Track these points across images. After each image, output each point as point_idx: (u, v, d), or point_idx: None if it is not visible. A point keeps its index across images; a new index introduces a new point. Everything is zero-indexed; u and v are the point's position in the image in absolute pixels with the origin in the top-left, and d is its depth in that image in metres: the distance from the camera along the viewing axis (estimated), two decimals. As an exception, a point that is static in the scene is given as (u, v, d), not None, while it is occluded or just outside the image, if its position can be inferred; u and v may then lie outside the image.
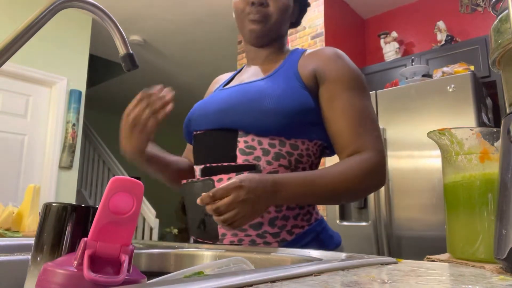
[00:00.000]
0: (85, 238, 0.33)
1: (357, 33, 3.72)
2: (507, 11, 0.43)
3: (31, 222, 1.07)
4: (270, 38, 0.91)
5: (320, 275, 0.38)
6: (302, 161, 0.82)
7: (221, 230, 0.79)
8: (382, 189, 2.43)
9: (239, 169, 0.79)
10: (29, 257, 0.38)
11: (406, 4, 3.60)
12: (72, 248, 0.38)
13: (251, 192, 0.67)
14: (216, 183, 0.79)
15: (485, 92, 2.53)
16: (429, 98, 2.39)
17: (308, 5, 0.99)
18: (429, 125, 2.32)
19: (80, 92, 3.59)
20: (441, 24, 3.16)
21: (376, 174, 0.77)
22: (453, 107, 2.30)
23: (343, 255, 0.52)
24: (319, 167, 0.87)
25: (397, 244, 2.35)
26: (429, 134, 0.57)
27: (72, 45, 3.62)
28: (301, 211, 0.82)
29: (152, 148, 0.93)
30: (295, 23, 0.99)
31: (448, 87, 2.33)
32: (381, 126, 2.52)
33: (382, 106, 2.57)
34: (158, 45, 4.45)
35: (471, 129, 0.53)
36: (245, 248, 0.69)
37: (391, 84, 2.85)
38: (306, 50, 0.92)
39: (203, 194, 0.67)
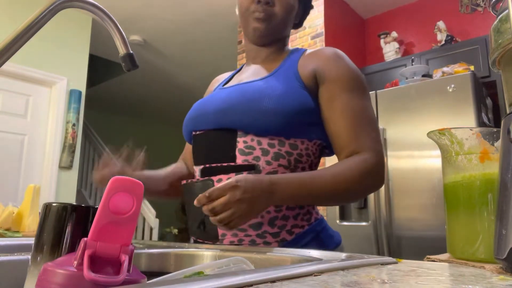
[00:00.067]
0: (85, 238, 0.33)
1: (357, 33, 3.72)
2: (507, 11, 0.43)
3: (31, 222, 1.07)
4: (273, 37, 0.91)
5: (320, 275, 0.38)
6: (302, 161, 0.82)
7: (220, 230, 0.79)
8: (382, 189, 2.43)
9: (239, 169, 0.79)
10: (29, 257, 0.38)
11: (406, 4, 3.60)
12: (72, 248, 0.37)
13: (247, 192, 0.67)
14: (215, 184, 0.79)
15: (485, 92, 2.53)
16: (429, 98, 2.39)
17: (311, 7, 0.99)
18: (429, 125, 2.32)
19: (80, 92, 3.59)
20: (441, 24, 3.16)
21: (374, 175, 0.77)
22: (453, 107, 2.30)
23: (343, 255, 0.52)
24: (319, 167, 0.87)
25: (397, 244, 2.35)
26: (429, 134, 0.57)
27: (72, 45, 3.62)
28: (301, 210, 0.82)
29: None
30: (298, 24, 0.99)
31: (448, 87, 2.33)
32: (381, 126, 2.52)
33: (382, 106, 2.57)
34: (158, 45, 4.45)
35: (471, 129, 0.53)
36: (245, 248, 0.69)
37: (391, 84, 2.85)
38: (306, 50, 0.92)
39: (199, 195, 0.67)
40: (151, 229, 4.16)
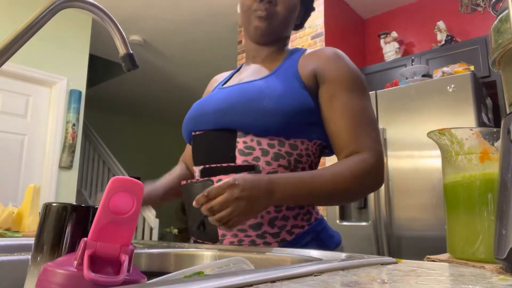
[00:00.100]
0: (85, 238, 0.33)
1: (357, 33, 3.72)
2: (507, 11, 0.43)
3: (31, 222, 1.07)
4: (274, 36, 0.91)
5: (320, 275, 0.38)
6: (302, 161, 0.82)
7: (220, 231, 0.79)
8: (382, 189, 2.43)
9: (239, 169, 0.79)
10: (29, 257, 0.38)
11: (406, 4, 3.60)
12: (72, 248, 0.37)
13: (245, 190, 0.67)
14: (215, 184, 0.79)
15: (485, 92, 2.53)
16: (429, 98, 2.39)
17: (312, 9, 0.99)
18: (429, 125, 2.32)
19: (80, 92, 3.59)
20: (441, 24, 3.16)
21: (374, 175, 0.77)
22: (453, 107, 2.30)
23: (343, 255, 0.52)
24: (319, 167, 0.87)
25: (397, 244, 2.35)
26: (429, 134, 0.57)
27: (72, 45, 3.62)
28: (301, 210, 0.81)
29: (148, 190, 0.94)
30: (299, 25, 0.99)
31: (448, 87, 2.33)
32: (381, 126, 2.52)
33: (382, 106, 2.57)
34: (158, 45, 4.45)
35: (471, 129, 0.53)
36: (245, 248, 0.69)
37: (391, 84, 2.85)
38: (306, 49, 0.92)
39: (198, 195, 0.67)
40: (151, 229, 4.16)
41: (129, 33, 4.16)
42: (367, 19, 3.86)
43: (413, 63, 3.04)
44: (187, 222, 0.89)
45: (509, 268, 0.40)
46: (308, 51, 0.91)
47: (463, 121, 2.23)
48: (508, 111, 0.45)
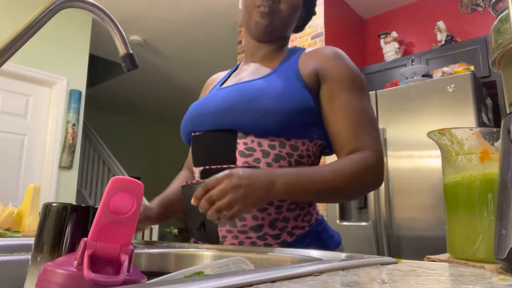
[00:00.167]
0: (85, 238, 0.33)
1: (357, 33, 3.72)
2: (507, 11, 0.43)
3: (31, 222, 1.07)
4: (274, 35, 0.91)
5: (320, 275, 0.38)
6: (302, 162, 0.82)
7: (221, 232, 0.79)
8: (382, 189, 2.43)
9: None
10: (29, 257, 0.38)
11: (406, 4, 3.60)
12: (72, 248, 0.38)
13: (244, 179, 0.66)
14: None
15: (485, 92, 2.53)
16: (429, 98, 2.39)
17: (314, 13, 0.99)
18: (429, 125, 2.32)
19: (80, 92, 3.59)
20: (441, 24, 3.16)
21: (374, 173, 0.77)
22: (453, 107, 2.30)
23: (343, 255, 0.52)
24: (319, 167, 0.87)
25: (397, 244, 2.35)
26: (429, 134, 0.57)
27: (72, 45, 3.62)
28: (301, 211, 0.81)
29: (155, 205, 0.93)
30: (300, 27, 0.99)
31: (448, 87, 2.33)
32: (381, 126, 2.52)
33: (382, 106, 2.57)
34: (158, 45, 4.46)
35: (471, 129, 0.53)
36: (245, 248, 0.69)
37: (391, 84, 2.85)
38: (305, 48, 0.92)
39: (196, 191, 0.67)
40: (151, 229, 4.16)
41: (129, 33, 4.16)
42: (367, 19, 3.86)
43: (413, 63, 3.04)
44: (187, 224, 0.89)
45: (509, 268, 0.40)
46: (308, 50, 0.90)
47: (463, 121, 2.23)
48: (508, 111, 0.45)
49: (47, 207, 0.39)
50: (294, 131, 0.79)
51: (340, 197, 0.81)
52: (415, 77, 2.82)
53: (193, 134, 0.89)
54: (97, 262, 0.33)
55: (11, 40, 0.60)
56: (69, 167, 3.46)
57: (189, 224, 0.87)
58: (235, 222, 0.78)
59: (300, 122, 0.79)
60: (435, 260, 0.53)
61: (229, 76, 1.00)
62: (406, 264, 0.47)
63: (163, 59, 4.82)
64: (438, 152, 2.02)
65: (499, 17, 0.45)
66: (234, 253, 0.61)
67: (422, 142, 2.33)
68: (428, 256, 0.54)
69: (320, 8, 3.21)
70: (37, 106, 3.43)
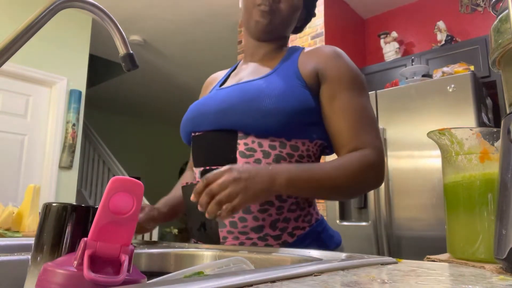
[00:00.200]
0: (85, 238, 0.33)
1: (357, 33, 3.72)
2: (507, 11, 0.43)
3: (31, 222, 1.07)
4: (274, 34, 0.91)
5: (320, 275, 0.38)
6: (303, 162, 0.82)
7: (222, 233, 0.79)
8: (382, 189, 2.43)
9: None
10: (29, 257, 0.38)
11: (406, 4, 3.60)
12: (72, 248, 0.38)
13: (244, 172, 0.66)
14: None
15: (485, 92, 2.53)
16: (429, 98, 2.39)
17: (314, 15, 1.00)
18: (429, 125, 2.32)
19: (80, 92, 3.59)
20: (441, 24, 3.16)
21: (375, 171, 0.77)
22: (453, 107, 2.30)
23: (343, 255, 0.52)
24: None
25: (397, 244, 2.35)
26: (429, 134, 0.57)
27: (72, 45, 3.62)
28: (302, 212, 0.81)
29: (160, 207, 0.94)
30: (299, 28, 0.99)
31: (448, 87, 2.33)
32: (381, 126, 2.52)
33: (382, 106, 2.57)
34: (158, 45, 4.46)
35: (471, 129, 0.53)
36: (245, 248, 0.69)
37: (391, 84, 2.85)
38: (304, 48, 0.92)
39: (195, 187, 0.66)
40: (151, 229, 4.15)
41: (129, 33, 4.16)
42: (367, 19, 3.86)
43: (413, 63, 3.04)
44: (187, 224, 0.89)
45: (509, 268, 0.40)
46: (307, 49, 0.90)
47: (463, 121, 2.23)
48: (508, 111, 0.45)
49: (47, 207, 0.39)
50: (294, 131, 0.79)
51: (341, 193, 0.81)
52: (415, 77, 2.82)
53: (193, 134, 0.89)
54: (97, 262, 0.33)
55: (11, 40, 0.60)
56: (69, 167, 3.46)
57: (190, 225, 0.86)
58: (236, 223, 0.77)
59: (300, 122, 0.79)
60: (435, 260, 0.53)
61: (229, 76, 1.00)
62: (406, 264, 0.47)
63: (163, 59, 4.82)
64: (438, 152, 2.02)
65: (499, 17, 0.45)
66: (234, 253, 0.61)
67: (422, 142, 2.33)
68: (428, 256, 0.54)
69: (320, 8, 3.21)
70: (37, 106, 3.43)
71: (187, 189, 0.85)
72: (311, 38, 3.23)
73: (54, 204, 0.39)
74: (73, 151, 3.48)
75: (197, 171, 0.86)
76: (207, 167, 0.83)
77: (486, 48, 2.77)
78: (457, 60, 2.78)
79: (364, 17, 3.85)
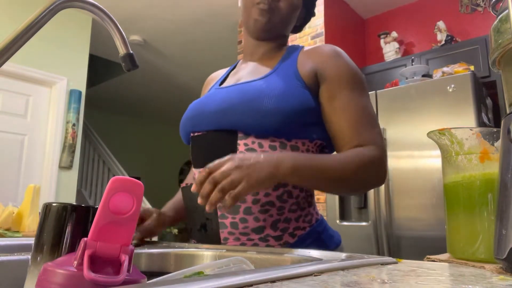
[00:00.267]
0: (85, 238, 0.33)
1: (357, 33, 3.72)
2: (507, 11, 0.43)
3: (31, 222, 1.07)
4: (273, 32, 0.91)
5: (320, 275, 0.38)
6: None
7: (223, 234, 0.79)
8: (382, 189, 2.43)
9: None
10: (29, 257, 0.38)
11: (406, 4, 3.60)
12: (72, 248, 0.38)
13: (246, 159, 0.66)
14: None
15: (485, 92, 2.53)
16: (429, 98, 2.39)
17: (313, 14, 0.99)
18: (429, 125, 2.32)
19: (80, 92, 3.59)
20: (441, 24, 3.16)
21: (377, 167, 0.77)
22: (453, 107, 2.30)
23: (343, 255, 0.52)
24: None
25: (397, 244, 2.35)
26: (429, 134, 0.57)
27: (72, 45, 3.62)
28: (302, 212, 0.81)
29: (167, 211, 0.95)
30: (298, 27, 0.99)
31: (448, 87, 2.33)
32: (381, 126, 2.52)
33: (382, 106, 2.57)
34: (158, 45, 4.46)
35: (471, 129, 0.53)
36: (245, 248, 0.69)
37: (391, 84, 2.85)
38: (303, 47, 0.92)
39: (198, 177, 0.66)
40: (151, 229, 4.15)
41: (129, 33, 4.16)
42: (367, 19, 3.86)
43: (413, 63, 3.04)
44: (187, 225, 0.89)
45: (509, 268, 0.40)
46: (306, 48, 0.90)
47: (463, 121, 2.23)
48: (508, 111, 0.45)
49: (47, 207, 0.39)
50: (294, 131, 0.79)
51: (344, 186, 0.79)
52: (415, 77, 2.82)
53: (192, 134, 0.88)
54: (97, 262, 0.33)
55: (11, 40, 0.60)
56: (69, 167, 3.46)
57: (190, 225, 0.86)
58: (236, 223, 0.77)
59: (300, 122, 0.79)
60: (435, 260, 0.53)
61: (228, 75, 1.00)
62: (406, 264, 0.47)
63: (163, 59, 4.82)
64: (438, 152, 2.03)
65: (499, 17, 0.45)
66: (234, 253, 0.61)
67: (422, 142, 2.33)
68: (428, 256, 0.54)
69: (320, 8, 3.21)
70: (37, 106, 3.43)
71: (187, 190, 0.85)
72: (311, 38, 3.23)
73: (54, 204, 0.39)
74: (73, 151, 3.48)
75: (197, 171, 0.86)
76: None
77: (486, 48, 2.77)
78: (457, 60, 2.78)
79: (364, 17, 3.85)
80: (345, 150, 0.79)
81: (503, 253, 0.39)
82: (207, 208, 0.65)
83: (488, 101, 2.55)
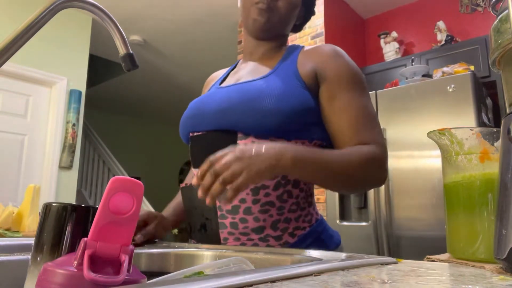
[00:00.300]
0: (85, 238, 0.33)
1: (357, 33, 3.72)
2: (507, 11, 0.43)
3: (31, 222, 1.07)
4: (273, 32, 0.91)
5: (320, 275, 0.38)
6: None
7: (223, 234, 0.79)
8: (382, 189, 2.43)
9: None
10: (29, 257, 0.38)
11: (406, 4, 3.60)
12: (72, 248, 0.38)
13: (247, 151, 0.65)
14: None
15: (485, 92, 2.53)
16: (429, 98, 2.39)
17: (313, 13, 0.99)
18: (429, 125, 2.32)
19: (80, 92, 3.59)
20: (441, 24, 3.16)
21: (379, 165, 0.76)
22: (453, 107, 2.30)
23: (343, 255, 0.52)
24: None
25: (397, 244, 2.35)
26: (429, 134, 0.57)
27: (72, 45, 3.62)
28: (302, 212, 0.81)
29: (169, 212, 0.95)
30: (298, 26, 0.99)
31: (448, 87, 2.33)
32: (381, 126, 2.52)
33: (382, 106, 2.57)
34: (158, 45, 4.46)
35: (471, 129, 0.53)
36: (245, 248, 0.69)
37: (391, 84, 2.85)
38: (303, 46, 0.91)
39: (199, 170, 0.65)
40: (151, 229, 4.15)
41: (129, 33, 4.16)
42: (367, 19, 3.86)
43: (413, 63, 3.04)
44: (187, 225, 0.89)
45: (509, 268, 0.40)
46: (306, 48, 0.90)
47: (463, 121, 2.23)
48: (508, 111, 0.45)
49: (47, 207, 0.39)
50: (294, 132, 0.79)
51: (345, 182, 0.77)
52: (415, 77, 2.82)
53: (191, 134, 0.88)
54: (97, 262, 0.33)
55: (11, 40, 0.60)
56: (69, 167, 3.46)
57: (190, 226, 0.86)
58: (236, 224, 0.77)
59: (300, 122, 0.79)
60: (435, 260, 0.53)
61: (228, 74, 1.00)
62: (406, 264, 0.47)
63: (163, 59, 4.82)
64: (438, 152, 2.03)
65: (499, 17, 0.45)
66: (234, 253, 0.61)
67: (422, 142, 2.33)
68: (428, 256, 0.54)
69: (320, 8, 3.21)
70: (37, 106, 3.43)
71: (187, 190, 0.85)
72: (311, 38, 3.23)
73: (54, 204, 0.39)
74: (73, 151, 3.48)
75: (196, 171, 0.85)
76: None
77: (486, 48, 2.77)
78: (457, 60, 2.78)
79: (364, 17, 3.85)
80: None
81: (503, 253, 0.39)
82: (207, 201, 0.64)
83: (488, 101, 2.55)
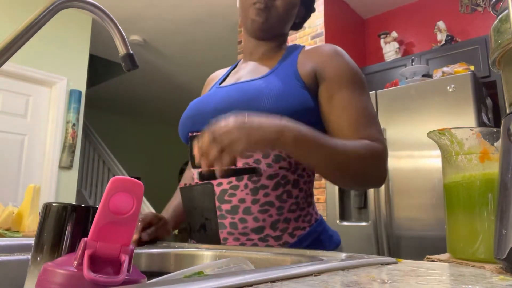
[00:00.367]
0: (85, 238, 0.33)
1: (357, 33, 3.72)
2: (507, 11, 0.43)
3: (31, 222, 1.07)
4: (271, 32, 0.90)
5: (320, 275, 0.38)
6: (302, 163, 0.81)
7: (222, 234, 0.79)
8: (382, 189, 2.43)
9: (239, 172, 0.78)
10: (29, 257, 0.38)
11: (406, 4, 3.60)
12: (72, 248, 0.38)
13: (249, 121, 0.64)
14: (215, 187, 0.79)
15: (485, 92, 2.53)
16: (429, 98, 2.39)
17: (313, 10, 0.99)
18: (429, 125, 2.32)
19: (80, 92, 3.59)
20: (441, 24, 3.16)
21: (379, 161, 0.76)
22: (453, 107, 2.30)
23: (343, 255, 0.52)
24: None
25: (397, 244, 2.35)
26: (429, 134, 0.57)
27: (72, 45, 3.62)
28: (301, 212, 0.81)
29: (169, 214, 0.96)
30: (298, 24, 0.99)
31: (448, 87, 2.33)
32: (381, 126, 2.52)
33: (382, 106, 2.57)
34: (158, 45, 4.46)
35: (471, 129, 0.53)
36: (245, 248, 0.69)
37: (391, 84, 2.85)
38: (304, 46, 0.91)
39: (201, 140, 0.64)
40: (151, 229, 4.15)
41: (129, 33, 4.16)
42: (367, 19, 3.86)
43: (413, 63, 3.04)
44: (187, 225, 0.89)
45: (509, 268, 0.40)
46: (307, 48, 0.90)
47: (463, 121, 2.23)
48: (508, 111, 0.45)
49: (47, 207, 0.39)
50: (293, 132, 0.79)
51: (344, 171, 0.75)
52: (415, 77, 2.82)
53: (190, 134, 0.88)
54: (97, 262, 0.33)
55: (11, 40, 0.60)
56: (69, 167, 3.46)
57: (189, 226, 0.86)
58: (236, 224, 0.77)
59: (299, 122, 0.79)
60: (435, 260, 0.53)
61: (229, 74, 1.00)
62: (406, 264, 0.47)
63: (163, 59, 4.82)
64: (438, 152, 2.03)
65: (499, 17, 0.45)
66: (234, 253, 0.61)
67: (422, 142, 2.33)
68: (428, 256, 0.54)
69: (320, 8, 3.21)
70: (37, 106, 3.43)
71: (186, 190, 0.85)
72: (311, 38, 3.23)
73: (54, 204, 0.39)
74: (73, 151, 3.48)
75: (196, 172, 0.86)
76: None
77: (486, 48, 2.77)
78: (457, 60, 2.78)
79: (364, 17, 3.85)
80: None
81: (503, 253, 0.39)
82: (202, 165, 0.63)
83: (488, 101, 2.55)
